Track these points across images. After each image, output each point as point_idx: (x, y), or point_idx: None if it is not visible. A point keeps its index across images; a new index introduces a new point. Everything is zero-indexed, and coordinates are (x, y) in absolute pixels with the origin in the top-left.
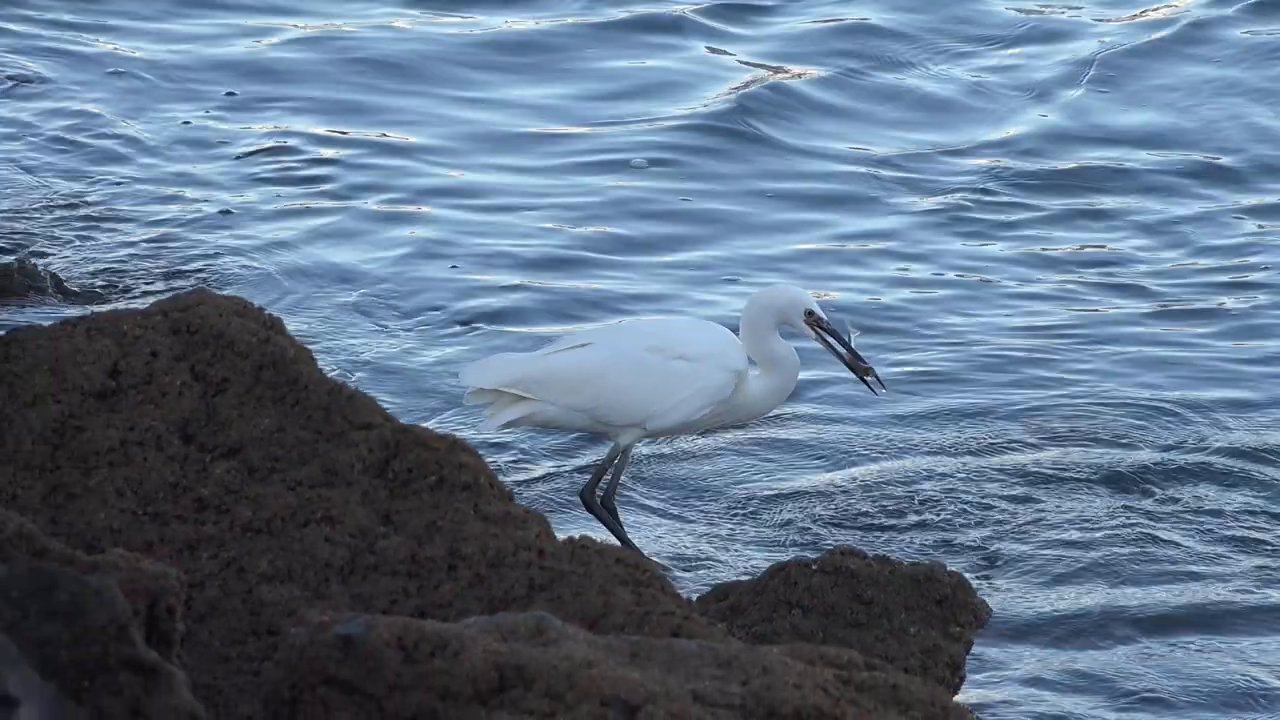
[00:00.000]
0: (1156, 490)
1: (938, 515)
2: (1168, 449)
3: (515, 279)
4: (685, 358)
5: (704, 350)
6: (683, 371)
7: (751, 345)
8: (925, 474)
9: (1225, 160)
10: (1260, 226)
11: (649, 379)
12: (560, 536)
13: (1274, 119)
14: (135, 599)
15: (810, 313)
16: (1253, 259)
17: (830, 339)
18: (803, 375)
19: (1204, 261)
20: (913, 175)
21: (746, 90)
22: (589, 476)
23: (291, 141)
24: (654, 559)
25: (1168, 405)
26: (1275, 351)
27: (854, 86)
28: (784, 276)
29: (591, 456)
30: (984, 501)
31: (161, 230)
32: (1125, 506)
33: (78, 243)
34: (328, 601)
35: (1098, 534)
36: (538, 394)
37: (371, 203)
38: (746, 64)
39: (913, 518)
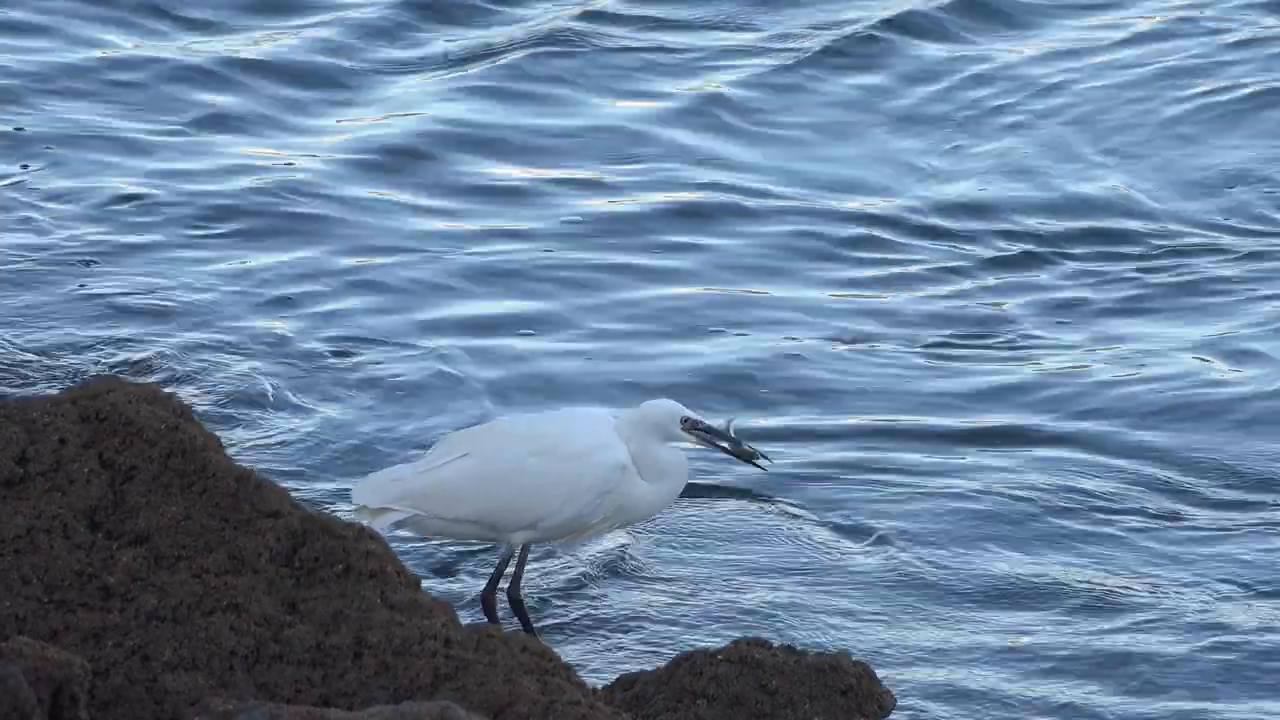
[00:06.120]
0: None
1: (845, 604)
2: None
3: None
4: (568, 456)
5: (587, 445)
6: (567, 471)
7: (638, 458)
8: (835, 561)
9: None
10: None
11: (534, 483)
12: (467, 624)
13: None
14: (39, 687)
15: (686, 419)
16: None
17: (710, 437)
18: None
19: None
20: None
21: None
22: (486, 581)
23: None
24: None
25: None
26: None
27: None
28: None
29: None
30: (888, 586)
31: (83, 308)
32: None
33: None
34: (232, 690)
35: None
36: (425, 508)
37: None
38: None
39: (824, 601)
